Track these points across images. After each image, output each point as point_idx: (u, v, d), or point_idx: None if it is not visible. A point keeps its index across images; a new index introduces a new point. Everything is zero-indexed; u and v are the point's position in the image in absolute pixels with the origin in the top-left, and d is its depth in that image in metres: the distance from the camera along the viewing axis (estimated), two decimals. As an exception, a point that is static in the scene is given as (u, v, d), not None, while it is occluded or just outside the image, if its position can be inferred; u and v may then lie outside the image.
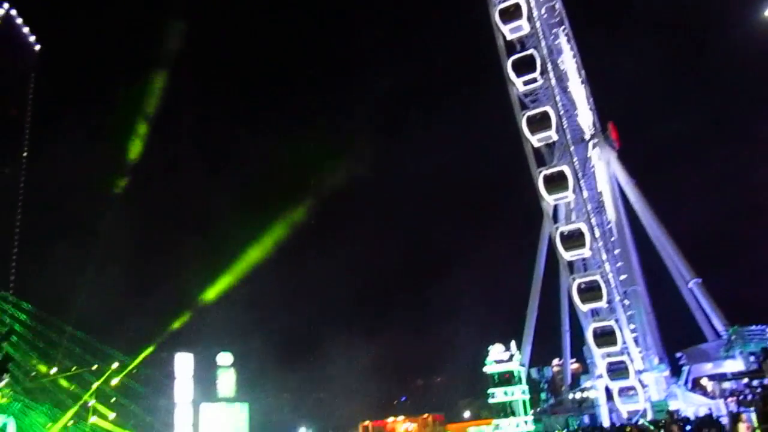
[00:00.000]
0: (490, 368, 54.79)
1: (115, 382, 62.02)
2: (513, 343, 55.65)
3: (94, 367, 64.48)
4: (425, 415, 74.06)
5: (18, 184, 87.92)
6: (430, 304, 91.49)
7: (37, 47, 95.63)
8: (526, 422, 53.59)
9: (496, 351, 54.82)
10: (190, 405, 60.11)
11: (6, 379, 50.88)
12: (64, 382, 61.87)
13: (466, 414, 74.73)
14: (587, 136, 59.57)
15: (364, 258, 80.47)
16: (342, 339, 71.71)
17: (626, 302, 52.24)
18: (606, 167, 60.14)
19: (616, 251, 55.74)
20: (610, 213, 58.86)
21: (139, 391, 61.28)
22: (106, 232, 75.65)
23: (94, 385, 58.10)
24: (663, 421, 40.83)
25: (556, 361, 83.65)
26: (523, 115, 53.62)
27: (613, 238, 56.65)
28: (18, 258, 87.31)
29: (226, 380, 65.17)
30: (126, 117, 69.99)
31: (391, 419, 74.66)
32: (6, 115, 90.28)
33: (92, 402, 60.86)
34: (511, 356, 54.37)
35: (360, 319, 71.03)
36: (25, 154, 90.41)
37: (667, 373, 52.80)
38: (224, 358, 65.06)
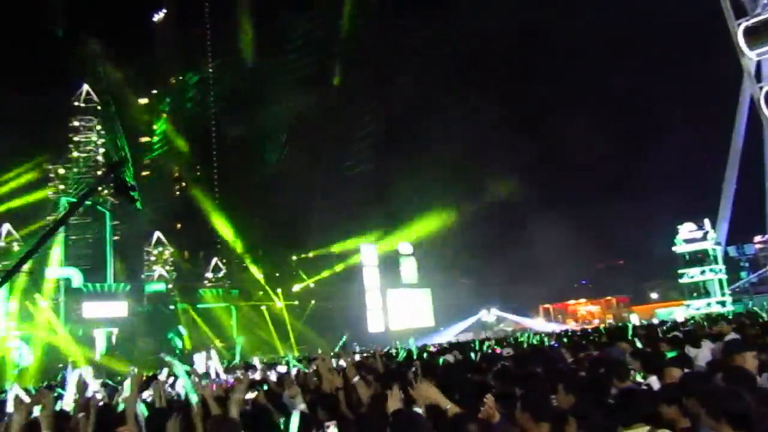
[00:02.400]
0: (680, 248, 51.73)
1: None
2: (707, 221, 51.45)
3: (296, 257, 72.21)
4: (608, 298, 72.74)
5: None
6: (612, 179, 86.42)
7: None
8: (723, 303, 50.35)
9: (686, 229, 51.29)
10: (378, 290, 65.16)
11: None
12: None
13: (654, 296, 72.02)
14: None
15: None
16: (518, 223, 71.73)
17: None
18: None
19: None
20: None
21: (330, 279, 67.85)
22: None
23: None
24: None
25: (758, 238, 76.34)
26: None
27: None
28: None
29: (408, 268, 69.27)
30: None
31: (572, 302, 74.46)
32: None
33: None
34: (705, 234, 50.52)
35: (536, 201, 69.57)
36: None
37: None
38: (405, 248, 68.83)
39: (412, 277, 69.63)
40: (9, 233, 74.94)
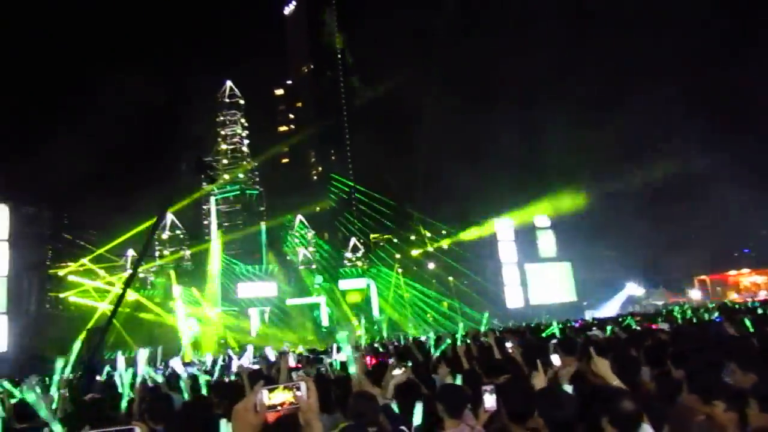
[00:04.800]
0: None
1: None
2: None
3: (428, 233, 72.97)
4: (776, 266, 65.59)
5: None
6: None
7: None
8: None
9: None
10: (515, 265, 63.87)
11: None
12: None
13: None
14: None
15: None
16: (668, 189, 66.31)
17: None
18: None
19: None
20: None
21: (463, 255, 67.47)
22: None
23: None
24: None
25: None
26: None
27: None
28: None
29: (546, 241, 67.08)
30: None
31: (733, 272, 68.06)
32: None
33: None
34: None
35: (690, 163, 63.45)
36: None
37: None
38: (541, 221, 66.69)
39: (551, 251, 67.34)
40: (173, 224, 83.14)
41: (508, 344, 7.84)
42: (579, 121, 66.98)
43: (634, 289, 63.82)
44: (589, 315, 43.44)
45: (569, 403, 3.39)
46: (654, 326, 12.21)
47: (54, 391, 6.61)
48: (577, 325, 19.02)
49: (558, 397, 3.51)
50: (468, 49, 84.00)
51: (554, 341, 7.38)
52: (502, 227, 64.46)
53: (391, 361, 6.01)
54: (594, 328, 13.09)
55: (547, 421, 3.35)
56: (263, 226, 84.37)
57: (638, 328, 12.71)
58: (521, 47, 74.94)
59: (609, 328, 11.83)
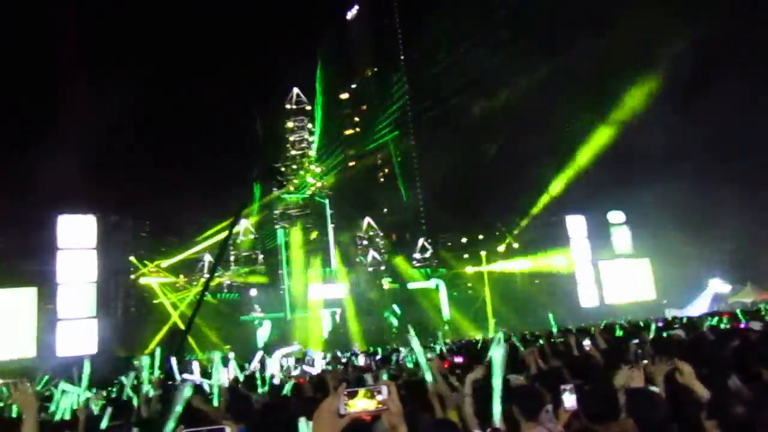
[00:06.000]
0: None
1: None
2: None
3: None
4: None
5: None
6: None
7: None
8: None
9: None
10: (589, 263, 61.93)
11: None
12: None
13: None
14: None
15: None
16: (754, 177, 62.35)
17: None
18: None
19: None
20: None
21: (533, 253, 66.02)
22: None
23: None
24: None
25: None
26: None
27: None
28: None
29: (621, 237, 64.67)
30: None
31: (837, 266, 63.36)
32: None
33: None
34: None
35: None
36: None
37: None
38: (616, 216, 64.35)
39: (626, 247, 64.86)
40: (247, 228, 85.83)
41: (586, 342, 7.65)
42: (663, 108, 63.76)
43: (719, 286, 60.38)
44: (669, 314, 41.61)
45: (662, 404, 3.31)
46: (743, 325, 11.53)
47: (146, 390, 6.95)
48: (660, 324, 18.25)
49: (650, 397, 3.43)
50: (531, 48, 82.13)
51: (635, 341, 7.14)
52: (574, 223, 62.67)
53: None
54: (676, 327, 12.53)
55: (639, 423, 3.26)
56: (331, 228, 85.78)
57: (727, 326, 12.04)
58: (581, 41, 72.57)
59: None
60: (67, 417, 6.75)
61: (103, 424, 5.85)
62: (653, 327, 11.22)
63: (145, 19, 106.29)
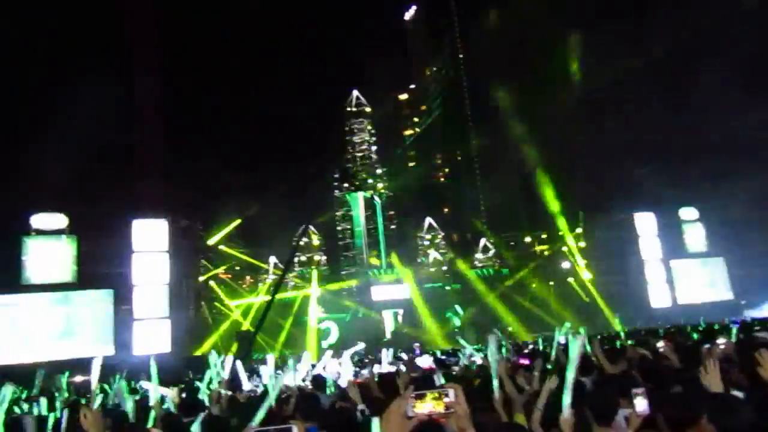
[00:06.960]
0: None
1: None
2: None
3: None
4: None
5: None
6: None
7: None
8: None
9: None
10: (660, 262, 59.52)
11: None
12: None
13: None
14: None
15: None
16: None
17: None
18: None
19: None
20: None
21: (601, 252, 63.99)
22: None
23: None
24: None
25: None
26: None
27: None
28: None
29: (694, 235, 61.81)
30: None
31: None
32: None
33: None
34: None
35: None
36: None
37: None
38: (688, 213, 61.58)
39: (700, 245, 61.89)
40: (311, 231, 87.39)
41: (660, 344, 7.37)
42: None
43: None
44: (748, 315, 39.50)
45: (745, 410, 3.16)
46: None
47: (215, 388, 7.18)
48: (737, 325, 17.36)
49: (733, 402, 3.29)
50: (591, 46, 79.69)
51: (707, 345, 6.85)
52: (644, 221, 60.40)
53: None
54: (757, 329, 11.89)
55: (721, 428, 3.12)
56: (393, 229, 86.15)
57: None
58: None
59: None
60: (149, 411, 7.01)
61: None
62: (734, 330, 10.69)
63: (219, 28, 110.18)
